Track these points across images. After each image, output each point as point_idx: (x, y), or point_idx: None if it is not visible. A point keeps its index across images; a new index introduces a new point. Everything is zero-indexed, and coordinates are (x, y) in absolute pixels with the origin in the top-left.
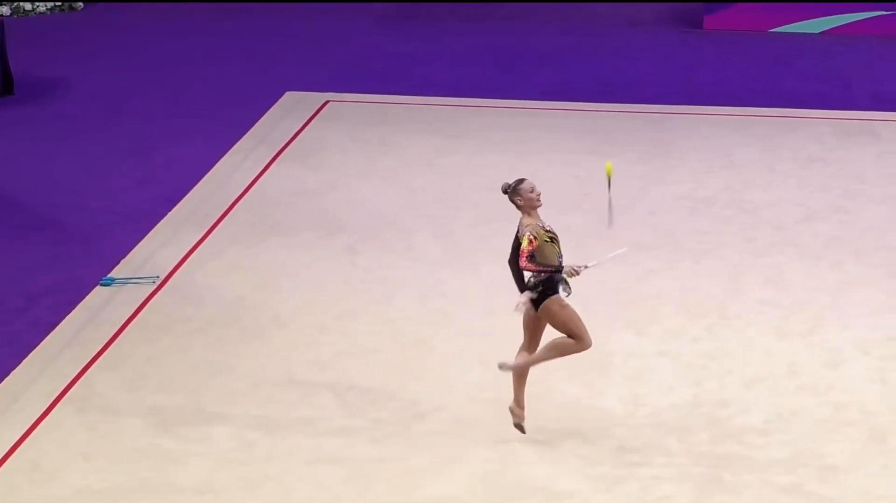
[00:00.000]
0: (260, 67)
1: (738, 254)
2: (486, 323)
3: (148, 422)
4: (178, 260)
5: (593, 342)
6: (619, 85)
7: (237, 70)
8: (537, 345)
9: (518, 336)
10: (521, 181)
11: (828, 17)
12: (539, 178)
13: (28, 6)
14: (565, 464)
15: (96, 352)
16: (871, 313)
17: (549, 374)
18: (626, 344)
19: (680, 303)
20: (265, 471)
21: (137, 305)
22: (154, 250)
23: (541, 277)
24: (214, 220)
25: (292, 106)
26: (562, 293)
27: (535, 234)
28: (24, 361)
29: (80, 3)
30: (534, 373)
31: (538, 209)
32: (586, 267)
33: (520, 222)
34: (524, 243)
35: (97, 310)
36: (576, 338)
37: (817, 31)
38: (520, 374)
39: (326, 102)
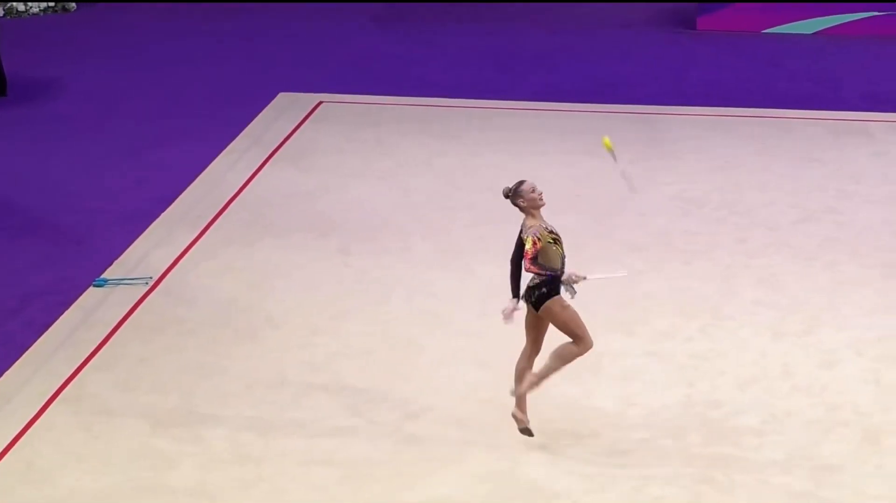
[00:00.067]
0: (253, 68)
1: (731, 255)
2: (480, 324)
3: (141, 422)
4: (172, 261)
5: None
6: (613, 85)
7: (230, 71)
8: (540, 347)
9: (512, 337)
10: (521, 183)
11: (821, 18)
12: (534, 179)
13: (21, 7)
14: (558, 464)
15: (90, 352)
16: (866, 314)
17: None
18: (618, 344)
19: (672, 303)
20: (258, 472)
21: (131, 306)
22: (147, 251)
23: (543, 278)
24: (208, 221)
25: (286, 107)
26: (564, 294)
27: (539, 236)
28: (18, 362)
29: (74, 4)
30: None
31: (541, 209)
32: (585, 278)
33: (523, 223)
34: (528, 245)
35: (90, 310)
36: (576, 339)
37: (810, 32)
38: (521, 377)
39: (320, 103)
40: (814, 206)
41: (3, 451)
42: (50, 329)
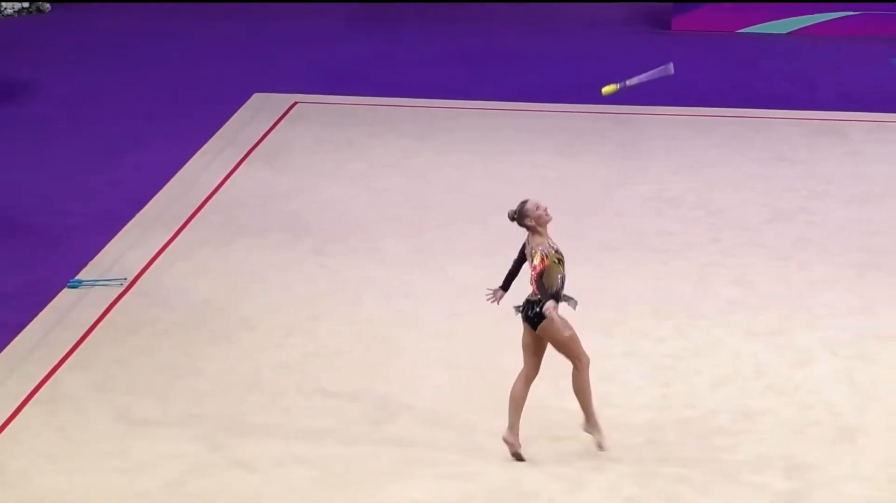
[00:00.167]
0: (228, 69)
1: (706, 255)
2: (453, 324)
3: (116, 424)
4: (147, 262)
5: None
6: (588, 86)
7: (205, 72)
8: (538, 366)
9: (486, 337)
10: (524, 203)
11: (795, 18)
12: (507, 180)
13: None
14: (533, 464)
15: (64, 353)
16: (838, 314)
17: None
18: (593, 345)
19: (647, 303)
20: (233, 474)
21: (105, 307)
22: (122, 252)
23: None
24: (182, 222)
25: (260, 107)
26: (567, 307)
27: (547, 254)
28: None
29: (48, 5)
30: (501, 373)
31: (548, 225)
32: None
33: (528, 239)
34: (536, 260)
35: (65, 312)
36: (572, 359)
37: (785, 32)
38: (517, 403)
39: (294, 104)
40: (787, 205)
41: None
42: (24, 330)
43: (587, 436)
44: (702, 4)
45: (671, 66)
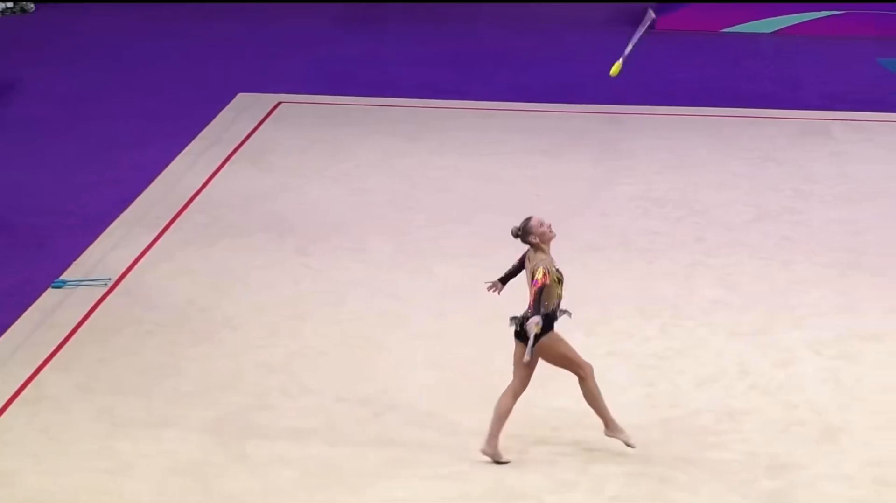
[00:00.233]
0: (212, 69)
1: (690, 255)
2: (438, 324)
3: (99, 424)
4: (130, 262)
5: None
6: (572, 86)
7: (189, 72)
8: (528, 382)
9: (471, 338)
10: (527, 220)
11: (779, 17)
12: (493, 179)
13: None
14: (518, 464)
15: (48, 354)
16: (822, 313)
17: (502, 376)
18: (578, 344)
19: (632, 303)
20: (217, 473)
21: (89, 307)
22: (106, 252)
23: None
24: (166, 222)
25: (245, 107)
26: (564, 317)
27: (549, 270)
28: None
29: (32, 6)
30: (485, 372)
31: (551, 242)
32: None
33: (529, 254)
34: (538, 275)
35: (49, 312)
36: (576, 370)
37: (769, 31)
38: (501, 417)
39: (279, 104)
40: (771, 205)
41: None
42: (8, 331)
43: (574, 436)
44: (685, 4)
45: (651, 12)
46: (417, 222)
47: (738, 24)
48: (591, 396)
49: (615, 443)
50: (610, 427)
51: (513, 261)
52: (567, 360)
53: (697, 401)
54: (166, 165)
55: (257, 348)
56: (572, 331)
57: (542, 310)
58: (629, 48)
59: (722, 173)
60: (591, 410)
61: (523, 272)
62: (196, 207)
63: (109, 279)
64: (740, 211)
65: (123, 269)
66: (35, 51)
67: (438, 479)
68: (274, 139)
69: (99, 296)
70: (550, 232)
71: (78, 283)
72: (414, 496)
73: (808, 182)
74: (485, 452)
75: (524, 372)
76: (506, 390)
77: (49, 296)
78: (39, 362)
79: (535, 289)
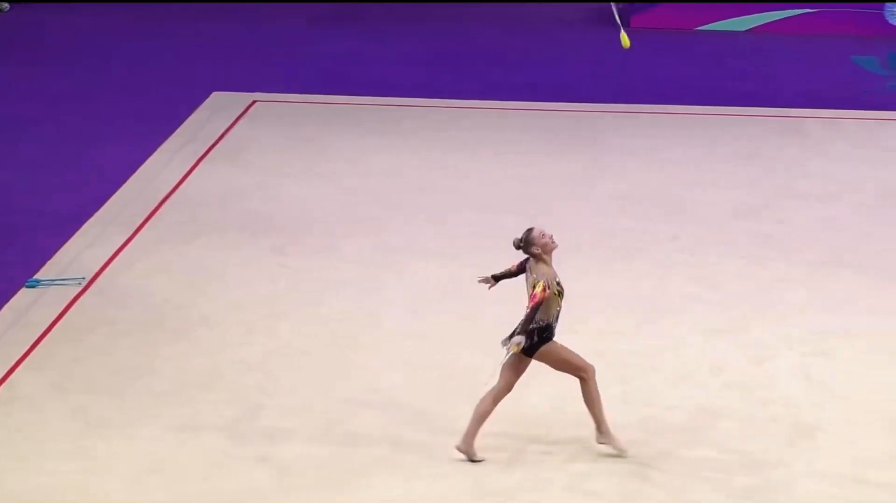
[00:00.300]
0: (187, 67)
1: (667, 253)
2: (416, 323)
3: (73, 423)
4: (105, 261)
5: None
6: (550, 85)
7: (164, 70)
8: (511, 387)
9: (447, 336)
10: (529, 231)
11: (754, 15)
12: (471, 178)
13: None
14: (493, 461)
15: (21, 353)
16: (798, 311)
17: (476, 373)
18: None
19: (609, 301)
20: (192, 473)
21: (63, 306)
22: (80, 251)
23: (535, 325)
24: (142, 221)
25: (220, 106)
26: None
27: (549, 284)
28: None
29: (7, 5)
30: (460, 372)
31: (553, 252)
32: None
33: (530, 264)
34: (538, 288)
35: (22, 311)
36: (579, 372)
37: (744, 29)
38: (480, 418)
39: (253, 102)
40: (749, 203)
41: None
42: None
43: (549, 434)
44: (661, 3)
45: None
46: (395, 221)
47: (712, 22)
48: (590, 399)
49: (593, 443)
50: (602, 432)
51: (498, 258)
52: (568, 364)
53: (674, 398)
54: (141, 164)
55: (234, 346)
56: None
57: (534, 325)
58: (617, 17)
59: (700, 171)
60: (583, 411)
61: (521, 276)
62: (172, 205)
63: (83, 278)
64: (718, 209)
65: (98, 268)
66: (5, 51)
67: (416, 479)
68: (250, 137)
69: (73, 296)
70: (552, 242)
71: (52, 283)
72: (391, 496)
73: (785, 180)
74: (459, 449)
75: (509, 377)
76: (488, 392)
77: (23, 295)
78: (13, 362)
79: (531, 303)
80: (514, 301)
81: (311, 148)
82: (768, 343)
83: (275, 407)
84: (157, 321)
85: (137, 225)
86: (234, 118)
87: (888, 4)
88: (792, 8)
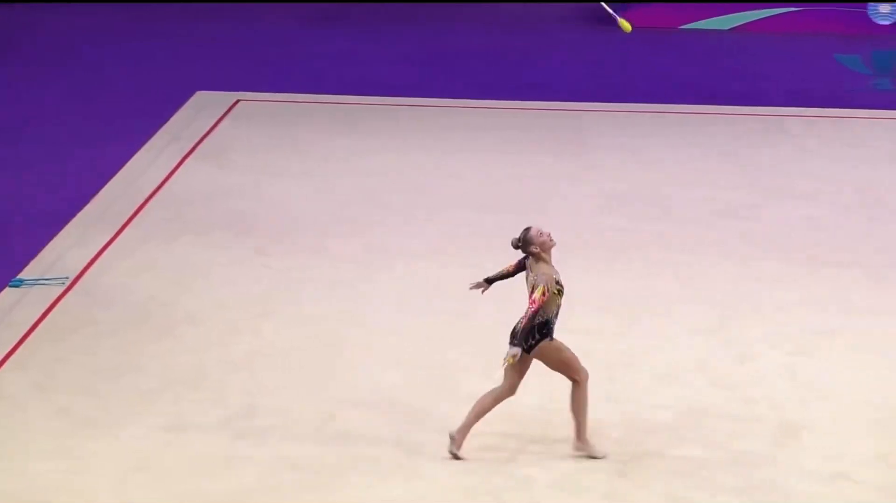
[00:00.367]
0: (171, 67)
1: (652, 252)
2: (399, 322)
3: (56, 423)
4: (89, 260)
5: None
6: (535, 84)
7: (148, 69)
8: (515, 389)
9: (433, 335)
10: (527, 231)
11: (737, 14)
12: (456, 177)
13: None
14: (477, 461)
15: (5, 353)
16: (782, 309)
17: (464, 372)
18: None
19: (593, 300)
20: (176, 472)
21: (47, 306)
22: (64, 251)
23: (537, 321)
24: (126, 219)
25: (203, 105)
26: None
27: (548, 287)
28: None
29: None
30: (448, 371)
31: (552, 250)
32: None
33: (530, 264)
34: (537, 293)
35: (6, 311)
36: (573, 374)
37: (727, 28)
38: (479, 414)
39: (237, 102)
40: (732, 202)
41: None
42: None
43: (534, 432)
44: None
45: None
46: (380, 220)
47: (696, 21)
48: (578, 405)
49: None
50: (581, 440)
51: (489, 257)
52: (565, 366)
53: (657, 397)
54: (125, 162)
55: (219, 345)
56: None
57: (531, 333)
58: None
59: (683, 170)
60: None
61: (518, 277)
62: (156, 204)
63: (67, 278)
64: (702, 207)
65: (82, 267)
66: None
67: (399, 478)
68: (234, 136)
69: (57, 295)
70: (551, 240)
71: (35, 282)
72: (375, 495)
73: (769, 178)
74: (452, 436)
75: (513, 378)
76: (491, 390)
77: (6, 295)
78: None
79: (531, 309)
80: (509, 300)
81: (294, 147)
82: (754, 342)
83: (259, 406)
84: (141, 319)
85: (122, 223)
86: (217, 117)
87: (871, 3)
88: (776, 6)
